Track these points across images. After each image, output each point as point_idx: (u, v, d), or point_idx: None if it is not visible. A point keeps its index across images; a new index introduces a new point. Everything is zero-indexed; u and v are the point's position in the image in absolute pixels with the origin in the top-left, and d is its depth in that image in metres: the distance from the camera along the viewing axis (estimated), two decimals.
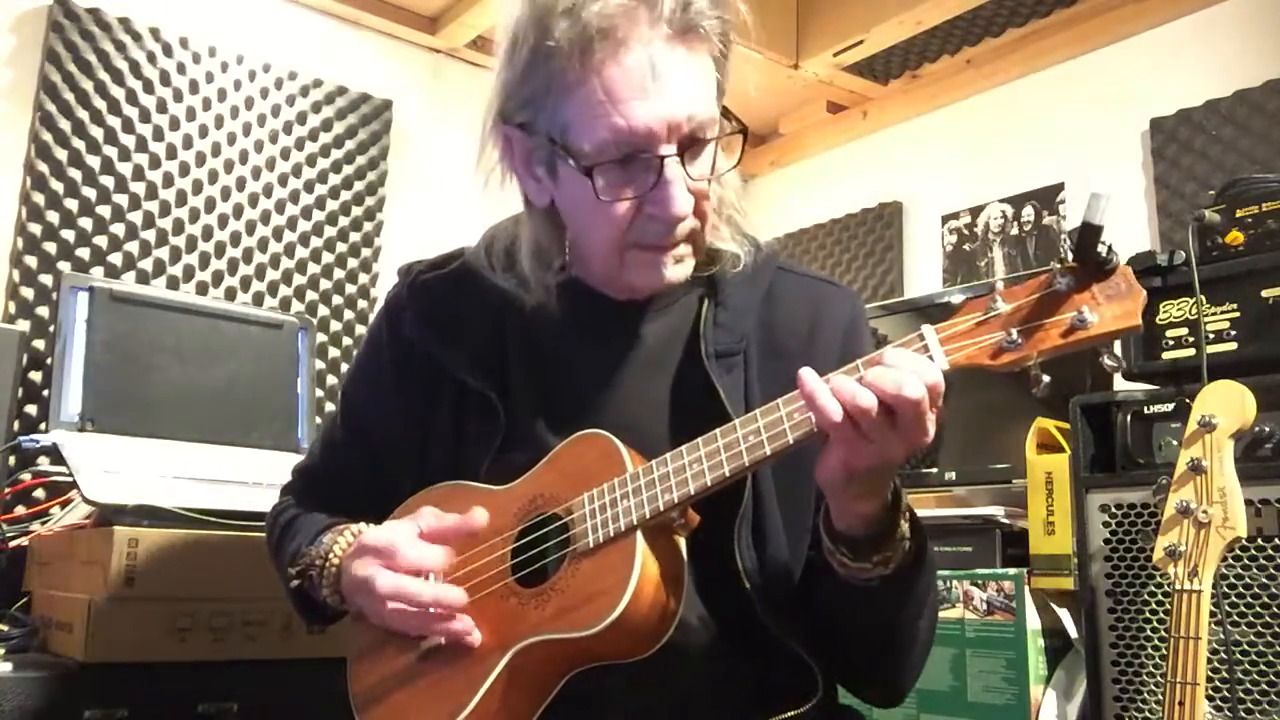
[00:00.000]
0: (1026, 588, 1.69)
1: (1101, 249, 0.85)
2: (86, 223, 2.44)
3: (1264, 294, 1.46)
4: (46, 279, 2.35)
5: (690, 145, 1.00)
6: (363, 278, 2.86)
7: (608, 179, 0.99)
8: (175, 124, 2.59)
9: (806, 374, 0.88)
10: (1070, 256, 0.87)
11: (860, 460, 0.88)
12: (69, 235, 2.41)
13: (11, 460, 2.07)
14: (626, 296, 1.12)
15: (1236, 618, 1.38)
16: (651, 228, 1.02)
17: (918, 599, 1.03)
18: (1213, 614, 1.22)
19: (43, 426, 2.09)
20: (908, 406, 0.84)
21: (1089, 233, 0.85)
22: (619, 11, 0.96)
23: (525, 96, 1.03)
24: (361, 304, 2.84)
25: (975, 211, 3.02)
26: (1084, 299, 0.86)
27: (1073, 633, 1.68)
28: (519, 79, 1.02)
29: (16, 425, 2.12)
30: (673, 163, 0.99)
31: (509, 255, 1.14)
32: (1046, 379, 0.87)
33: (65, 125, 2.43)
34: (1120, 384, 1.73)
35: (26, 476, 2.11)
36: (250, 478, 1.86)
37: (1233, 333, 1.48)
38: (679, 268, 1.07)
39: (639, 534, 0.94)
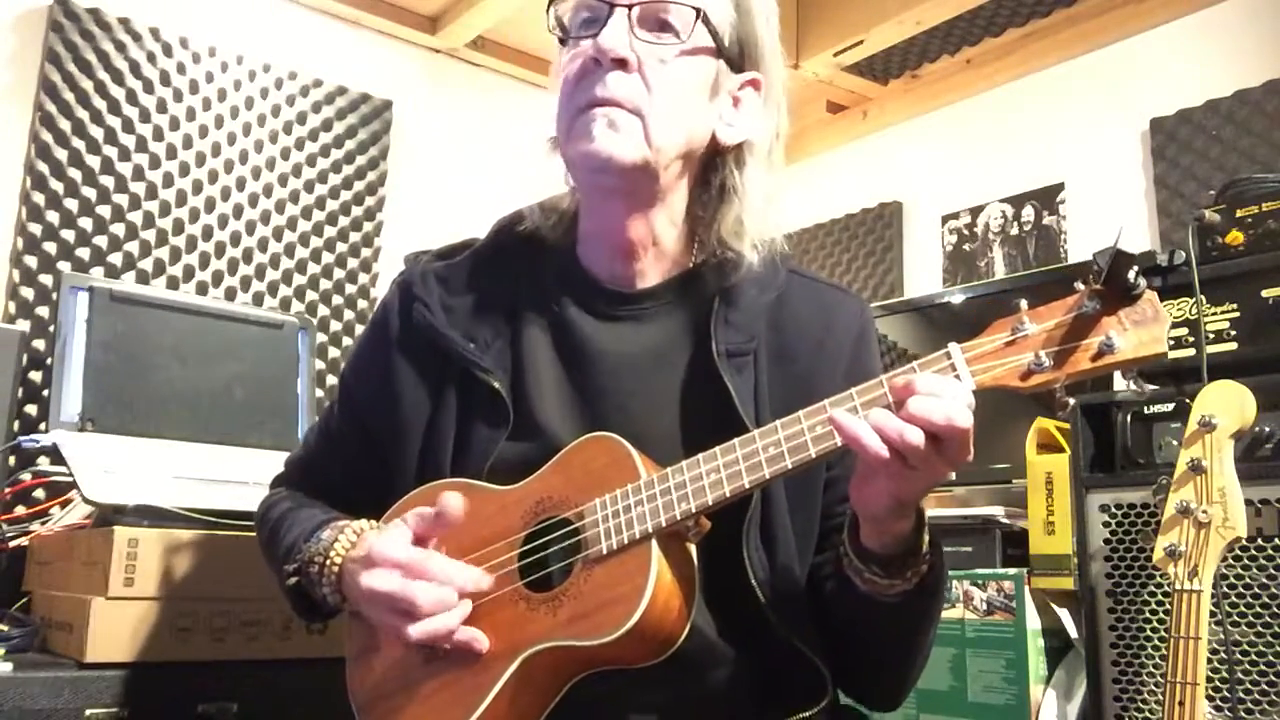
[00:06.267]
0: (1026, 588, 1.69)
1: (1130, 275, 0.85)
2: (86, 223, 2.44)
3: (1264, 294, 1.46)
4: (46, 279, 2.36)
5: (652, 14, 1.05)
6: (363, 278, 2.86)
7: (569, 24, 1.08)
8: (175, 124, 2.59)
9: (841, 416, 0.87)
10: (1095, 280, 0.87)
11: (907, 489, 0.88)
12: (69, 235, 2.41)
13: (11, 460, 2.07)
14: (615, 274, 1.13)
15: (1236, 618, 1.38)
16: (590, 80, 1.05)
17: (933, 611, 1.03)
18: (1213, 614, 1.22)
19: (43, 426, 2.08)
20: (957, 435, 0.84)
21: (1122, 260, 0.85)
22: None
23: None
24: (361, 304, 2.84)
25: (975, 211, 3.02)
26: (1111, 323, 0.86)
27: (1073, 633, 1.68)
28: None
29: (16, 425, 2.12)
30: (620, 10, 1.04)
31: (530, 210, 1.18)
32: (1072, 401, 0.87)
33: (65, 125, 2.43)
34: (1120, 384, 1.73)
35: (26, 476, 2.10)
36: (250, 478, 1.85)
37: (1233, 333, 1.48)
38: (612, 136, 1.04)
39: (654, 541, 0.94)
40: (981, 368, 0.88)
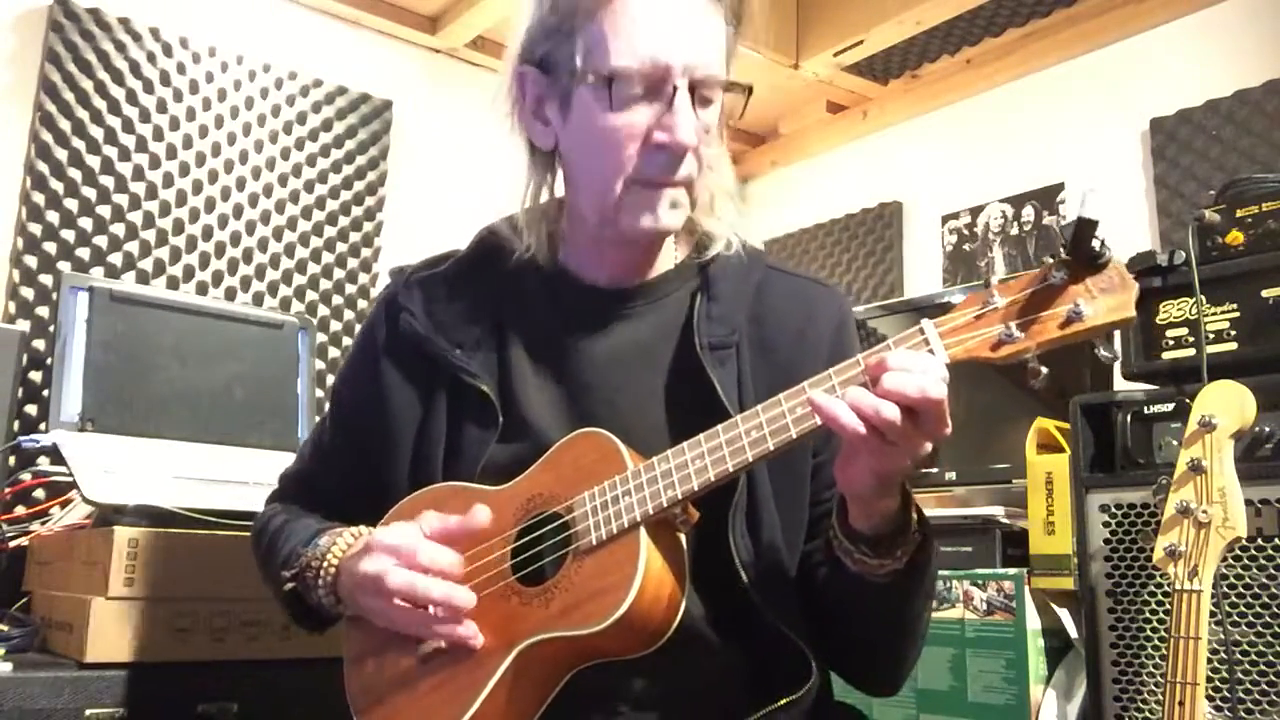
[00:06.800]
0: (1026, 588, 1.69)
1: (1095, 243, 0.86)
2: (86, 223, 2.44)
3: (1264, 294, 1.46)
4: (46, 279, 2.36)
5: (702, 85, 1.04)
6: (363, 278, 2.86)
7: (621, 95, 1.03)
8: (175, 124, 2.59)
9: (818, 397, 0.88)
10: (1064, 251, 0.88)
11: (888, 465, 0.89)
12: (69, 235, 2.41)
13: (11, 460, 2.07)
14: (610, 280, 1.14)
15: (1236, 618, 1.38)
16: (657, 159, 1.04)
17: (925, 590, 1.04)
18: (1213, 614, 1.22)
19: (43, 426, 2.09)
20: (932, 407, 0.86)
21: (1084, 227, 0.86)
22: None
23: (549, 27, 1.07)
24: (361, 304, 2.84)
25: (975, 211, 3.02)
26: (1079, 292, 0.87)
27: (1073, 633, 1.68)
28: (546, 11, 1.07)
29: (16, 425, 2.12)
30: (684, 94, 1.02)
31: (510, 223, 1.17)
32: (1045, 370, 0.88)
33: (65, 125, 2.43)
34: (1120, 384, 1.73)
35: (26, 476, 2.11)
36: (250, 478, 1.86)
37: (1233, 333, 1.48)
38: (674, 213, 1.07)
39: (642, 530, 0.94)
40: (954, 340, 0.89)
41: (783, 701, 0.99)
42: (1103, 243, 0.86)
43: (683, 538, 0.99)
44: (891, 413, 0.85)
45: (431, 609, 0.98)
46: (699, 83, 1.03)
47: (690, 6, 1.03)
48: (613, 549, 0.95)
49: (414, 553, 0.99)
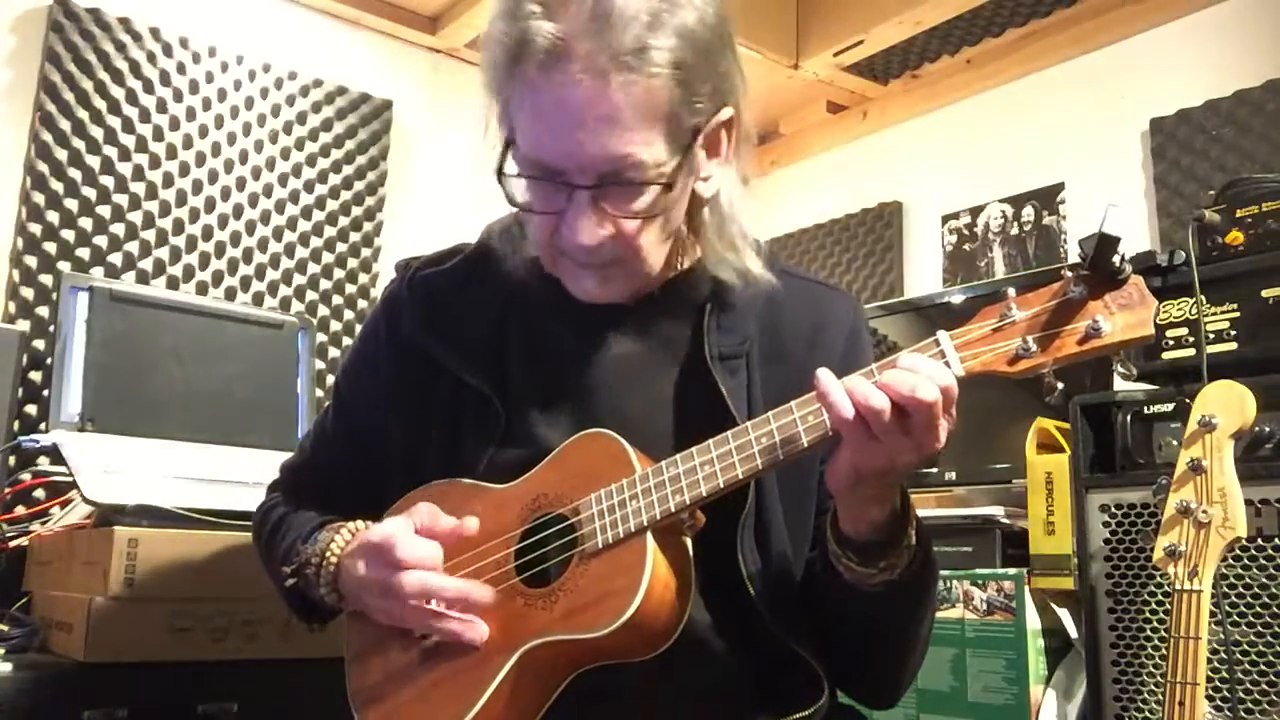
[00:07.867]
0: (1026, 588, 1.69)
1: (1116, 259, 0.86)
2: (86, 223, 2.44)
3: (1264, 294, 1.46)
4: (46, 279, 2.36)
5: (615, 182, 0.96)
6: (363, 278, 2.86)
7: (529, 186, 1.01)
8: (175, 124, 2.59)
9: (824, 373, 0.88)
10: (1078, 263, 0.88)
11: (868, 462, 0.88)
12: (69, 235, 2.41)
13: (11, 460, 2.07)
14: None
15: (1236, 618, 1.38)
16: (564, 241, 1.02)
17: (921, 606, 1.04)
18: (1213, 614, 1.22)
19: (43, 426, 2.09)
20: (921, 409, 0.85)
21: (1107, 244, 0.86)
22: (568, 34, 0.93)
23: (485, 84, 1.07)
24: (361, 304, 2.84)
25: (975, 211, 3.02)
26: (1097, 307, 0.87)
27: (1073, 633, 1.68)
28: (484, 66, 1.07)
29: (16, 425, 2.12)
30: (583, 195, 0.97)
31: (511, 232, 1.15)
32: (1060, 386, 0.88)
33: (65, 125, 2.43)
34: (1120, 384, 1.73)
35: (26, 476, 2.11)
36: (250, 478, 1.85)
37: (1233, 333, 1.48)
38: (610, 286, 1.04)
39: (649, 535, 0.94)
40: (970, 354, 0.89)
41: (794, 717, 0.99)
42: (1123, 258, 0.86)
43: (688, 541, 0.98)
44: (880, 402, 0.85)
45: (440, 605, 0.98)
46: (611, 173, 0.95)
47: (598, 96, 0.92)
48: (619, 553, 0.95)
49: (394, 547, 0.98)
